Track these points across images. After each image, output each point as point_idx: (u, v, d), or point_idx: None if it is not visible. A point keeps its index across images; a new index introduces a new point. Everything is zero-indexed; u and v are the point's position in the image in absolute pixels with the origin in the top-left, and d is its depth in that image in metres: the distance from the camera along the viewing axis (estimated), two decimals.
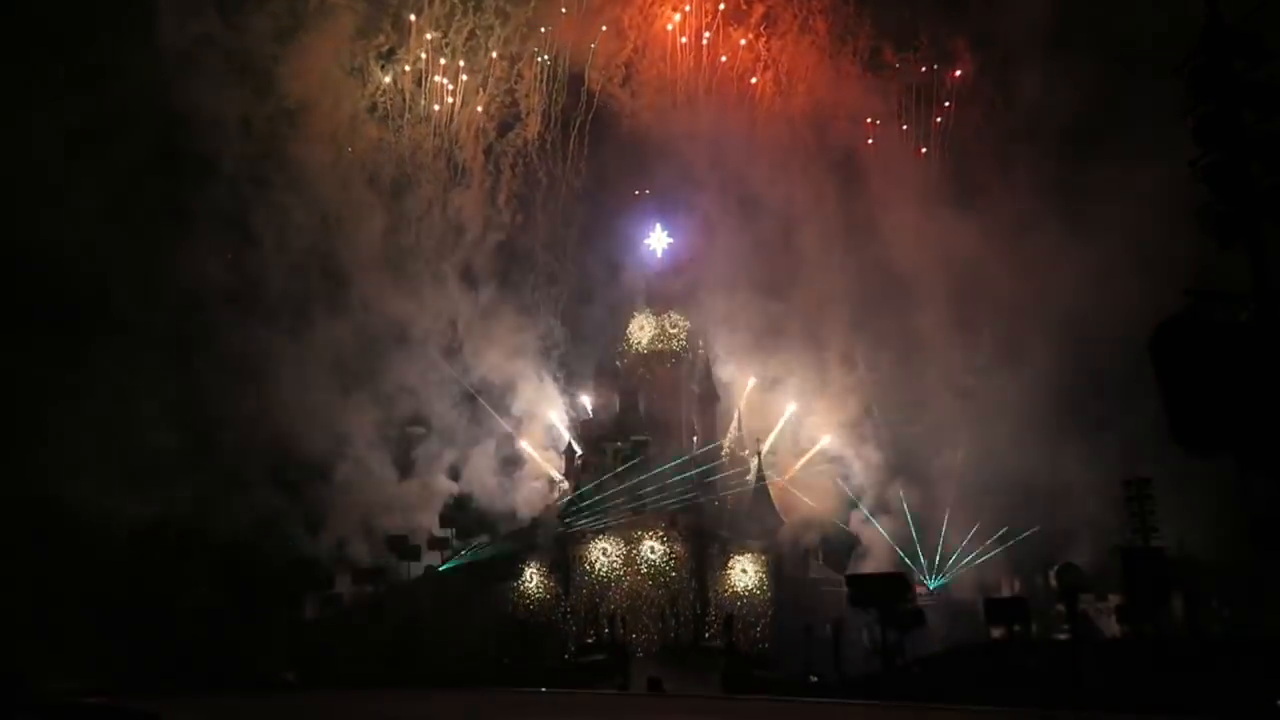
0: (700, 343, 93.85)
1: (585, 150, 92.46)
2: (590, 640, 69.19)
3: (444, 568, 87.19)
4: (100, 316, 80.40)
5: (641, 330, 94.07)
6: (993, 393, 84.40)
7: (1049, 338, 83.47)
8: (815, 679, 44.36)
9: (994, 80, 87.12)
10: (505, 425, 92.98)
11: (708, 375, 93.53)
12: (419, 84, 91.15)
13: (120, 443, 76.46)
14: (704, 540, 79.01)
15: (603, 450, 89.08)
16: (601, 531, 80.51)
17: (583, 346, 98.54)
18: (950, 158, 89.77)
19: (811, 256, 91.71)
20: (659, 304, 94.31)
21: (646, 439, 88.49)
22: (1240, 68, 10.32)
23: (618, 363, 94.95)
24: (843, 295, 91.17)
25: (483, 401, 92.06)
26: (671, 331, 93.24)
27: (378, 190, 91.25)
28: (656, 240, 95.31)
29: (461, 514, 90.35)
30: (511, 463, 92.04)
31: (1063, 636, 45.47)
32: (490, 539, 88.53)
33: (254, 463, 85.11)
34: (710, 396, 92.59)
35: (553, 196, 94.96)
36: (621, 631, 62.80)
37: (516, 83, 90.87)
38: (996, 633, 54.29)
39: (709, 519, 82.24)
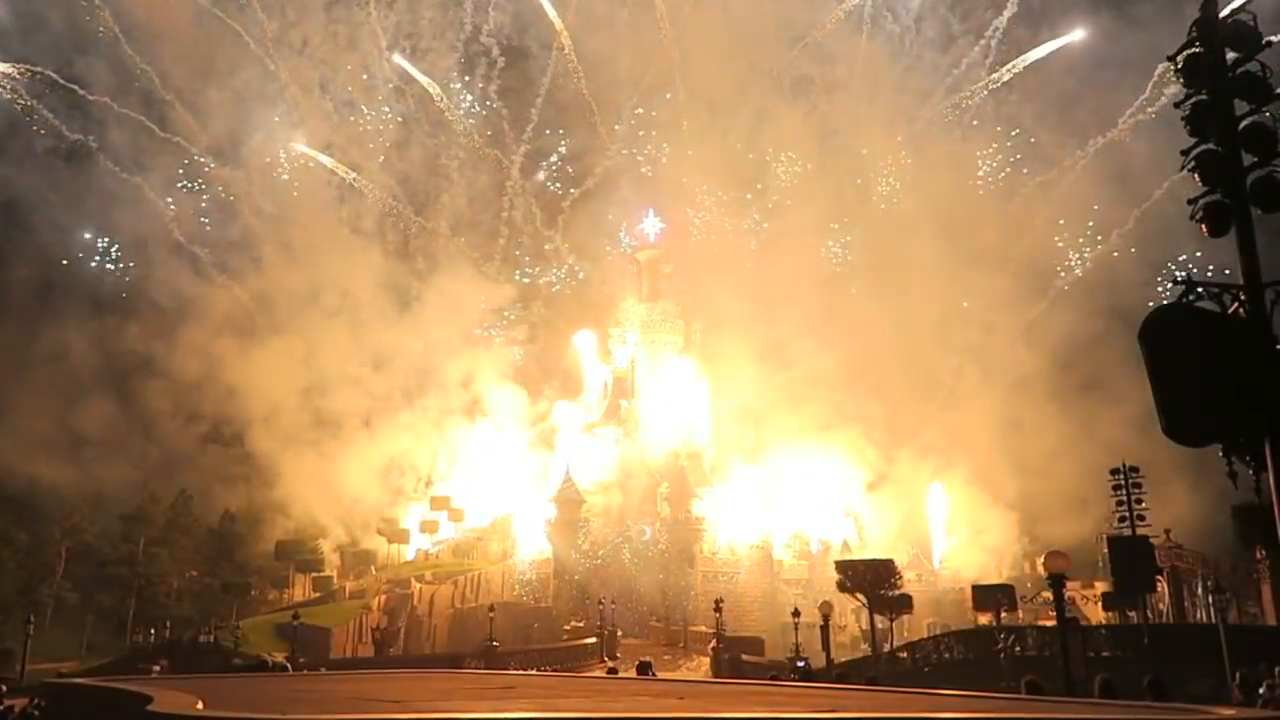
0: (694, 327, 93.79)
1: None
2: (580, 624, 69.37)
3: (433, 549, 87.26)
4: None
5: (633, 314, 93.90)
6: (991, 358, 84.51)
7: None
8: (803, 663, 44.52)
9: None
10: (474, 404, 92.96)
11: (702, 357, 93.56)
12: None
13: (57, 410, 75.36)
14: (696, 524, 79.14)
15: (595, 435, 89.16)
16: (593, 516, 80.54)
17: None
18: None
19: (786, 184, 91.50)
20: (650, 284, 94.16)
21: (636, 423, 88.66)
22: (1234, 58, 10.32)
23: (610, 348, 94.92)
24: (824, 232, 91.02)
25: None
26: (662, 318, 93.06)
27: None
28: (649, 224, 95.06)
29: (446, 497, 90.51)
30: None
31: (1048, 623, 45.77)
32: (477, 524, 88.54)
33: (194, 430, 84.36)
34: (701, 379, 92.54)
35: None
36: (612, 615, 62.93)
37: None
38: (984, 618, 54.68)
39: (702, 503, 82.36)
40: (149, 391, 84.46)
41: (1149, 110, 77.03)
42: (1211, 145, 10.17)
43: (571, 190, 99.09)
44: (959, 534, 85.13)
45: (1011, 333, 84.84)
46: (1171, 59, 10.60)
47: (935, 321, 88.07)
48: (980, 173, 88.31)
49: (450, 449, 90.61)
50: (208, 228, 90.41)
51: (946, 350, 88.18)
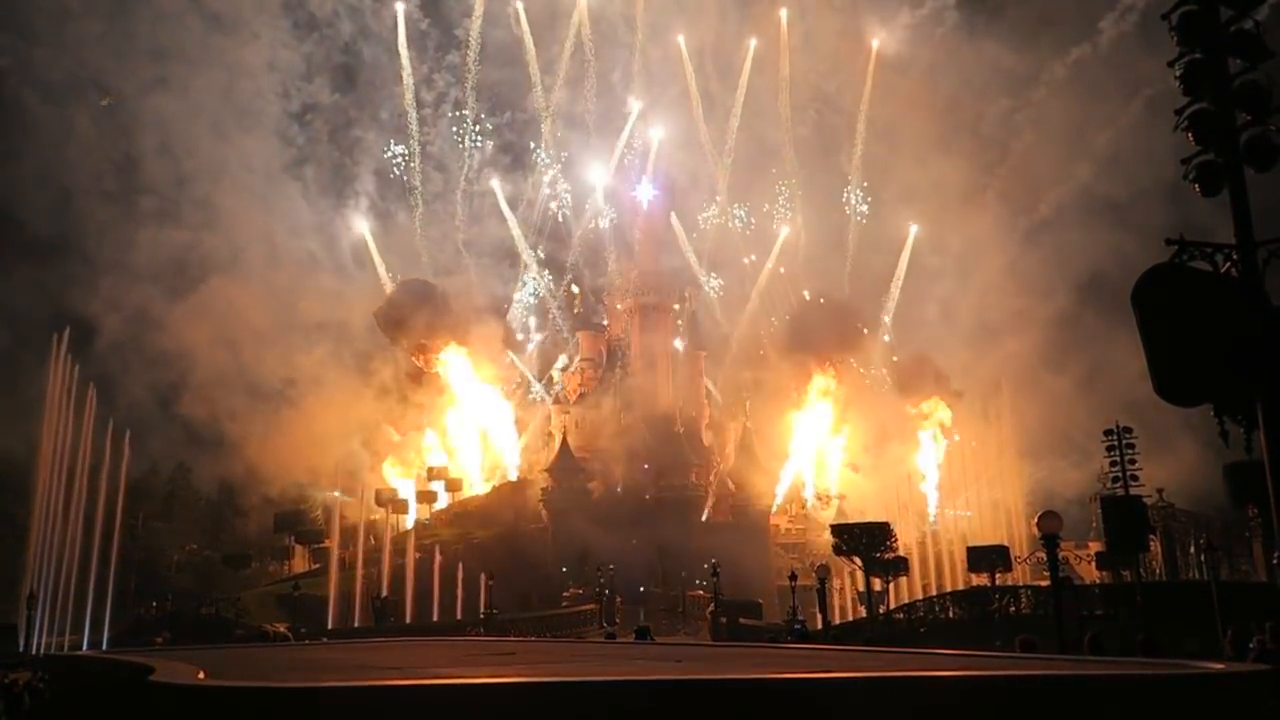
0: (686, 294, 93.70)
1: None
2: (579, 591, 69.89)
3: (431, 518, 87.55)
4: None
5: (628, 279, 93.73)
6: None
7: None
8: (799, 626, 44.91)
9: None
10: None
11: (694, 324, 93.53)
12: None
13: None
14: (694, 490, 79.50)
15: (591, 403, 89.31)
16: (591, 484, 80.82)
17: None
18: None
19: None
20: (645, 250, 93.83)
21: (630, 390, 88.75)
22: (1227, 16, 10.24)
23: (604, 316, 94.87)
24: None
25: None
26: (657, 282, 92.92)
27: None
28: (643, 191, 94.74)
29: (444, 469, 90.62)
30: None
31: (1043, 583, 46.21)
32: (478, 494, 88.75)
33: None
34: (697, 346, 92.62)
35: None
36: (611, 580, 63.39)
37: None
38: (979, 579, 55.12)
39: (700, 469, 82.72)
40: (103, 353, 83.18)
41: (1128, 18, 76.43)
42: (1205, 104, 10.12)
43: (505, 114, 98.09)
44: (959, 494, 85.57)
45: (1000, 277, 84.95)
46: (1165, 17, 10.52)
47: (930, 248, 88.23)
48: (958, 93, 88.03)
49: (431, 395, 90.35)
50: (136, 172, 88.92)
51: (946, 286, 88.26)
